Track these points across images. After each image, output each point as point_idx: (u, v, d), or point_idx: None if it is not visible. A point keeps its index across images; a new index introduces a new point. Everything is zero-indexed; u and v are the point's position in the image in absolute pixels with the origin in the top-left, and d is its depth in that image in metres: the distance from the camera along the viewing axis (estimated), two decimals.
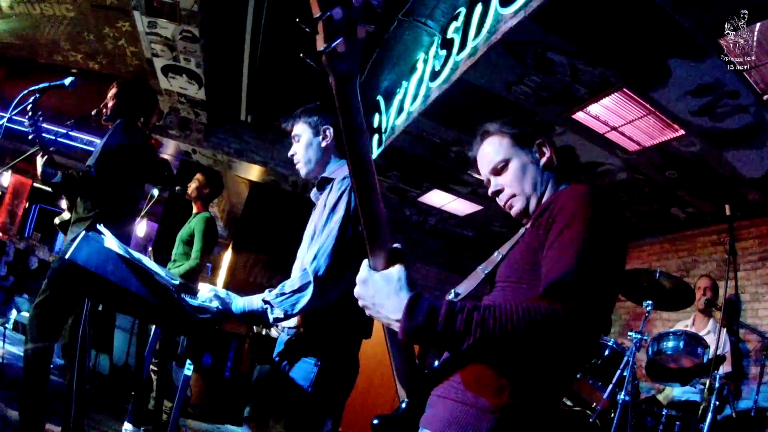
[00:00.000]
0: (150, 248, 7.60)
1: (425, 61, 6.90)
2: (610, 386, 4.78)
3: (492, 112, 6.20)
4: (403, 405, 1.81)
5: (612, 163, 6.75)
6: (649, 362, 5.33)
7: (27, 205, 15.76)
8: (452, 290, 2.04)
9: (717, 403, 5.00)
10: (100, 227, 2.55)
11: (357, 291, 1.64)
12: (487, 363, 1.69)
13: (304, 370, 2.62)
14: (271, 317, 2.57)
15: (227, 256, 11.74)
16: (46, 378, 3.88)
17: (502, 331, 1.47)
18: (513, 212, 2.05)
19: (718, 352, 5.71)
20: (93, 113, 4.47)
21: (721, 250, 7.35)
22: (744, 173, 6.16)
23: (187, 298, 2.52)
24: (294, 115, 3.04)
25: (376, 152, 8.24)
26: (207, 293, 2.60)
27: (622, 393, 4.66)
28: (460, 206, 9.40)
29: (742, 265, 7.02)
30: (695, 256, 7.66)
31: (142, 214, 6.16)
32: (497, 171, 2.06)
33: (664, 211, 7.50)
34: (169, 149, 9.96)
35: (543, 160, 2.05)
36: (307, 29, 1.37)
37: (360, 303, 1.66)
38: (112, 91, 4.47)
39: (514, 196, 2.03)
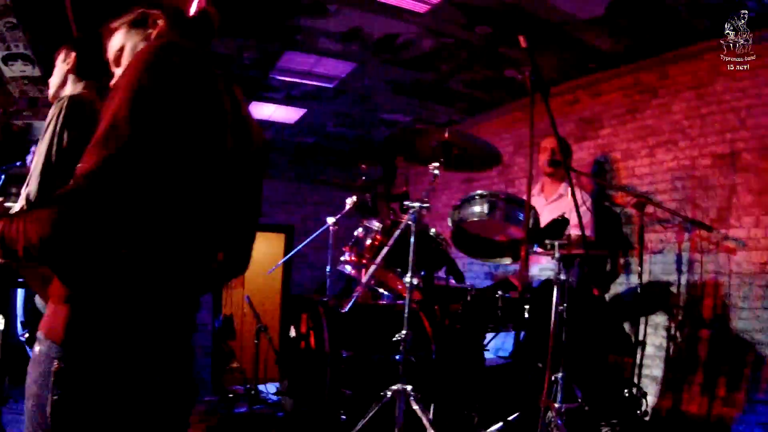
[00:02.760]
0: None
1: None
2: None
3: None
4: None
5: (409, 31, 5.47)
6: (454, 232, 4.27)
7: None
8: None
9: (571, 279, 4.22)
10: None
11: None
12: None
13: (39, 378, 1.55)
14: None
15: None
16: None
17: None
18: None
19: (584, 220, 4.70)
20: None
21: (580, 108, 6.28)
22: (577, 13, 4.90)
23: None
24: None
25: None
26: None
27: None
28: (286, 114, 8.08)
29: (607, 120, 5.95)
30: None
31: None
32: (117, 62, 1.85)
33: (499, 75, 6.29)
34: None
35: (154, 33, 1.81)
36: None
37: None
38: None
39: None
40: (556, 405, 3.63)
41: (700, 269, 5.05)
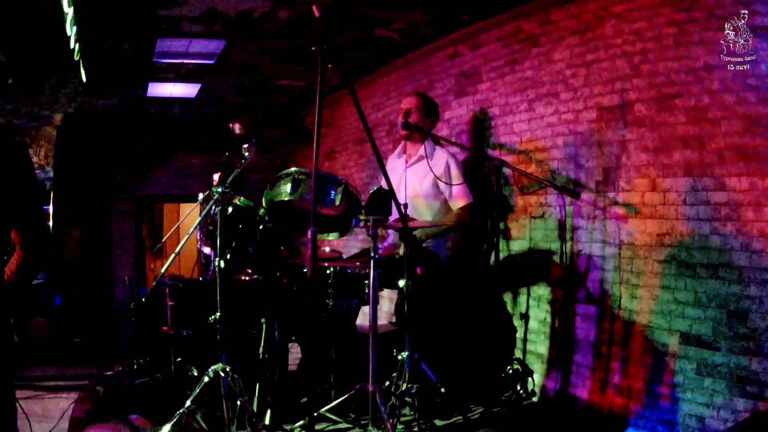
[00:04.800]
0: None
1: None
2: None
3: None
4: None
5: (261, 5, 3.72)
6: (269, 210, 2.91)
7: None
8: None
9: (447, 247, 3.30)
10: None
11: None
12: None
13: None
14: None
15: None
16: None
17: None
18: None
19: (454, 183, 3.43)
20: None
21: (459, 62, 4.27)
22: None
23: None
24: None
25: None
26: None
27: None
28: (184, 90, 6.07)
29: (486, 73, 3.99)
30: (431, 76, 4.55)
31: None
32: None
33: (369, 35, 4.28)
34: None
35: None
36: None
37: None
38: None
39: None
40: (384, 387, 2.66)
41: (586, 237, 3.24)
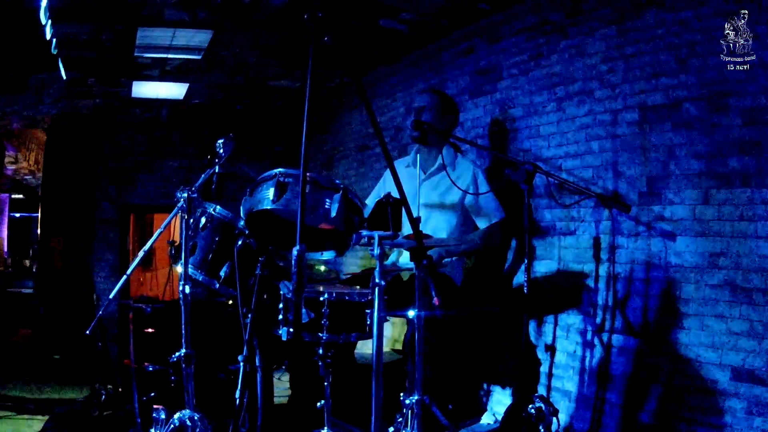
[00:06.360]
0: None
1: None
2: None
3: None
4: None
5: None
6: (249, 221, 2.25)
7: None
8: None
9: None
10: None
11: None
12: None
13: None
14: None
15: None
16: None
17: None
18: None
19: (481, 193, 2.97)
20: None
21: (476, 58, 3.86)
22: None
23: None
24: None
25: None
26: None
27: None
28: (172, 90, 5.64)
29: (506, 70, 3.59)
30: (443, 74, 4.12)
31: None
32: None
33: (373, 26, 3.87)
34: None
35: None
36: None
37: None
38: None
39: None
40: None
41: (626, 258, 2.82)
